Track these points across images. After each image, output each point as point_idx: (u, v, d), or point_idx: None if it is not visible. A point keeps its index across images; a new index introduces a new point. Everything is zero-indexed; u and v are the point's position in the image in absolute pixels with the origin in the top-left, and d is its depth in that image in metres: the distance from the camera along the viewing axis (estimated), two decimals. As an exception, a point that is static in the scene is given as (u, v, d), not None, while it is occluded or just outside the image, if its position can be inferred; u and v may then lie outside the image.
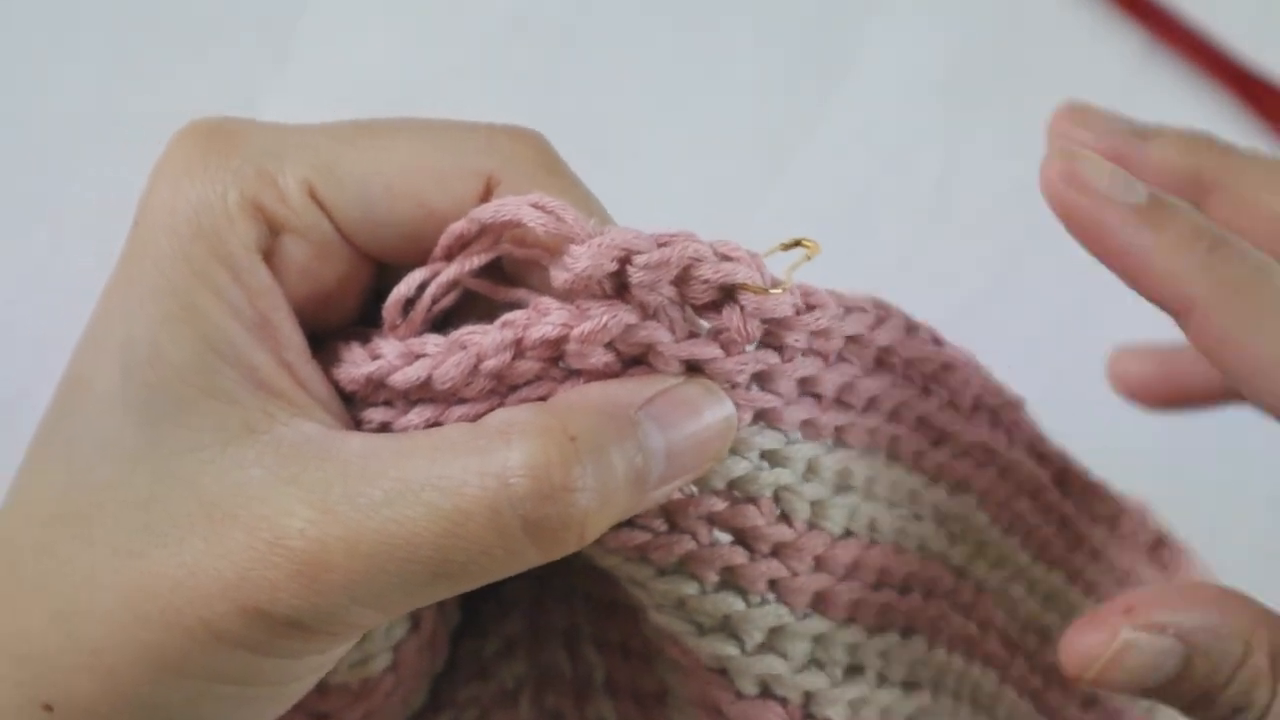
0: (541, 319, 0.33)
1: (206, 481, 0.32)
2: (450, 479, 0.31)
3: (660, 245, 0.33)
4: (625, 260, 0.33)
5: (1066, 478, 0.46)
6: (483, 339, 0.34)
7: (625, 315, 0.33)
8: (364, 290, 0.37)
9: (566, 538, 0.32)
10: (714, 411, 0.34)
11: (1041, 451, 0.46)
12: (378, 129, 0.36)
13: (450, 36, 0.64)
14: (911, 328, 0.40)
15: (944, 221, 0.63)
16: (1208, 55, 0.63)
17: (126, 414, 0.33)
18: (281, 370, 0.34)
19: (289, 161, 0.34)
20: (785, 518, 0.37)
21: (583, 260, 0.33)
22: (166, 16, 0.64)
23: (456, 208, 0.35)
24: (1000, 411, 0.44)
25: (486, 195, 0.36)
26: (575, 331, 0.33)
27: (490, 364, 0.34)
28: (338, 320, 0.37)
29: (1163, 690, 0.37)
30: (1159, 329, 0.63)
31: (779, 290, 0.34)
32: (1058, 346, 0.63)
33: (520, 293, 0.36)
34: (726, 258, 0.34)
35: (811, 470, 0.38)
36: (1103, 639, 0.37)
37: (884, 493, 0.40)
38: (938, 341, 0.41)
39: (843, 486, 0.39)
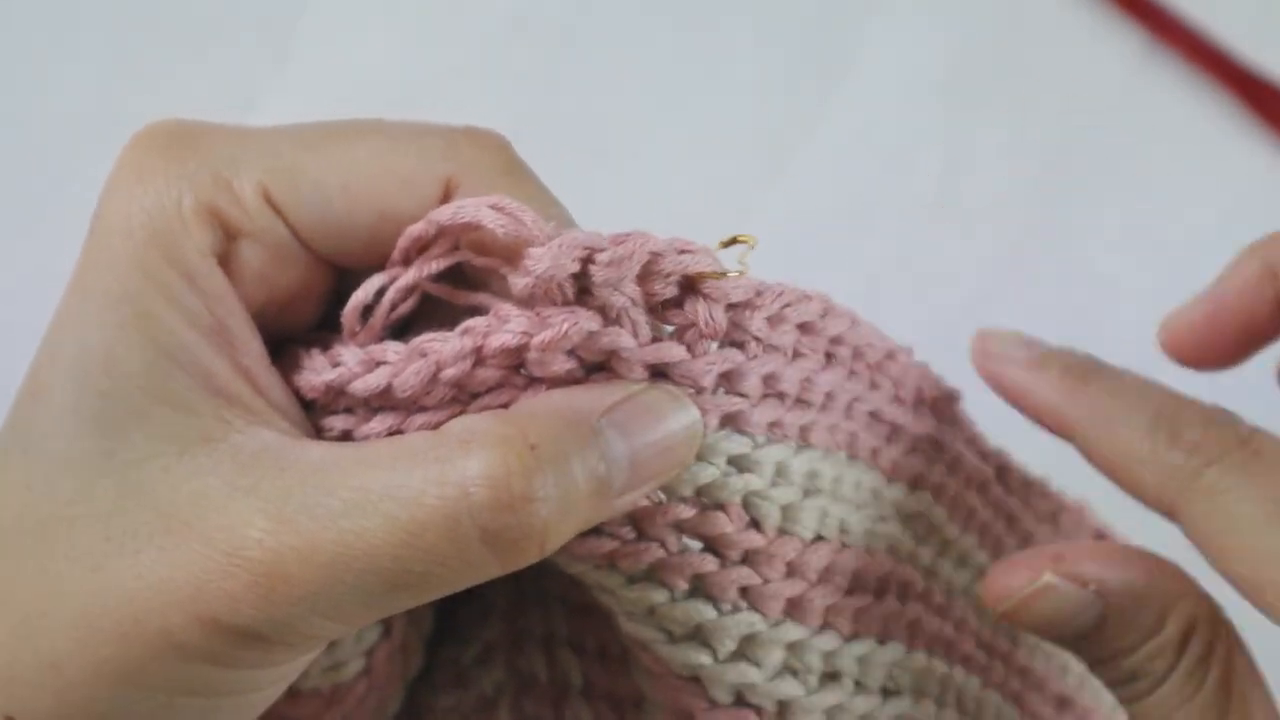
0: (502, 326, 0.33)
1: (163, 491, 0.32)
2: (408, 489, 0.31)
3: (618, 244, 0.33)
4: (586, 260, 0.33)
5: (1006, 474, 0.46)
6: (442, 347, 0.33)
7: (586, 322, 0.33)
8: (323, 294, 0.37)
9: (527, 548, 0.32)
10: (678, 417, 0.34)
11: (981, 448, 0.46)
12: (338, 132, 0.35)
13: (450, 36, 0.64)
14: (855, 319, 0.40)
15: (944, 221, 0.63)
16: (1208, 55, 0.63)
17: (81, 424, 0.33)
18: (239, 377, 0.34)
19: (245, 165, 0.34)
20: (755, 524, 0.37)
21: (543, 262, 0.32)
22: (166, 16, 0.64)
23: (416, 211, 0.35)
24: (940, 404, 0.44)
25: (447, 199, 0.35)
26: (536, 339, 0.33)
27: (450, 372, 0.33)
28: (297, 325, 0.37)
29: (1072, 641, 0.38)
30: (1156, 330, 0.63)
31: (736, 273, 0.34)
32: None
33: (480, 297, 0.36)
34: (684, 250, 0.33)
35: (780, 474, 0.37)
36: (1025, 578, 0.38)
37: (850, 493, 0.40)
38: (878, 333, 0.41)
39: (811, 489, 0.38)
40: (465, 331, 0.33)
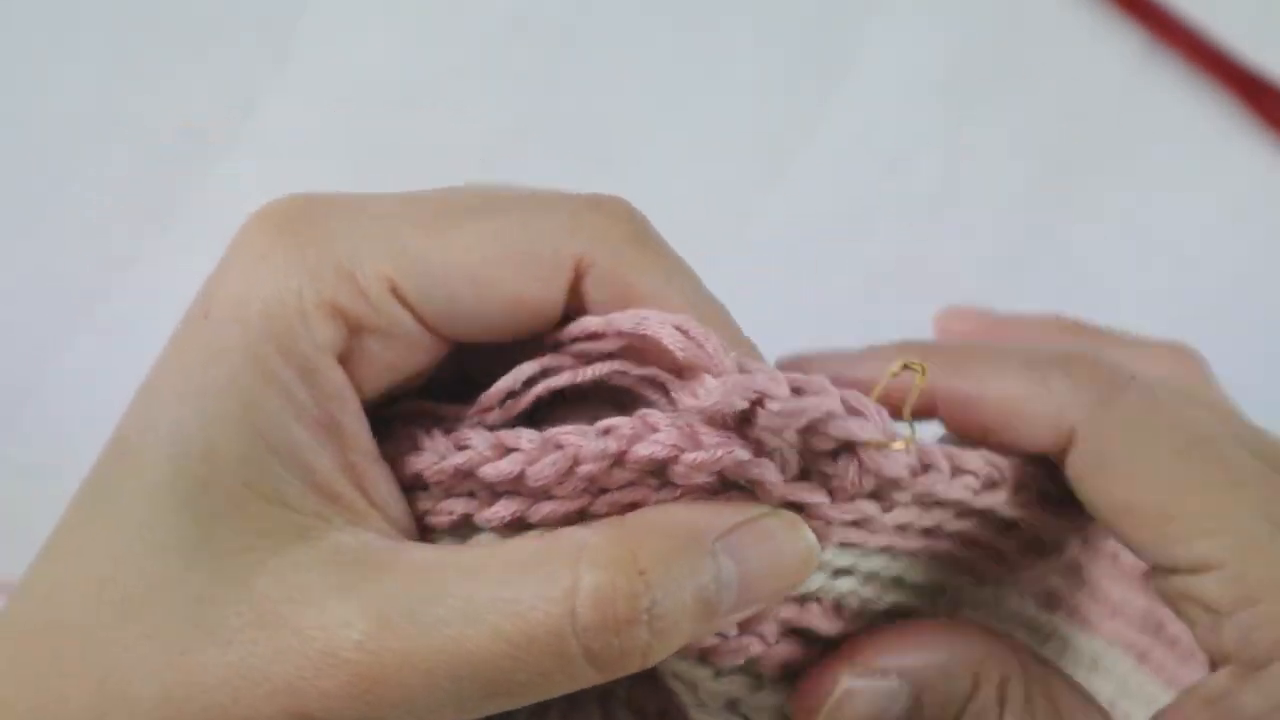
0: (650, 435, 0.33)
1: (258, 584, 0.32)
2: (517, 603, 0.31)
3: (795, 392, 0.32)
4: (757, 403, 0.32)
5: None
6: (582, 442, 0.33)
7: (740, 451, 0.32)
8: (437, 365, 0.36)
9: (629, 664, 0.32)
10: (794, 545, 0.33)
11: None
12: (458, 209, 0.34)
13: (450, 36, 0.64)
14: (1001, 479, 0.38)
15: (944, 222, 0.63)
16: (1208, 55, 0.63)
17: (175, 507, 0.32)
18: (343, 474, 0.33)
19: (368, 256, 0.33)
20: (839, 610, 0.37)
21: (714, 395, 0.32)
22: (166, 16, 0.64)
23: (546, 295, 0.34)
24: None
25: (578, 281, 0.35)
26: (687, 457, 0.32)
27: (587, 469, 0.33)
28: (403, 393, 0.37)
29: None
30: (1158, 333, 0.63)
31: (899, 447, 0.33)
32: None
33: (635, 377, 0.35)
34: (855, 411, 0.33)
35: (870, 578, 0.38)
36: (825, 689, 0.37)
37: (922, 582, 0.40)
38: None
39: (892, 585, 0.39)
40: (608, 432, 0.33)
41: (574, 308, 0.36)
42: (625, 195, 0.65)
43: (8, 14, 0.63)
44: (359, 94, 0.64)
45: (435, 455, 0.34)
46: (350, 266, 0.33)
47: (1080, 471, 0.36)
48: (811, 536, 0.34)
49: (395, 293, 0.34)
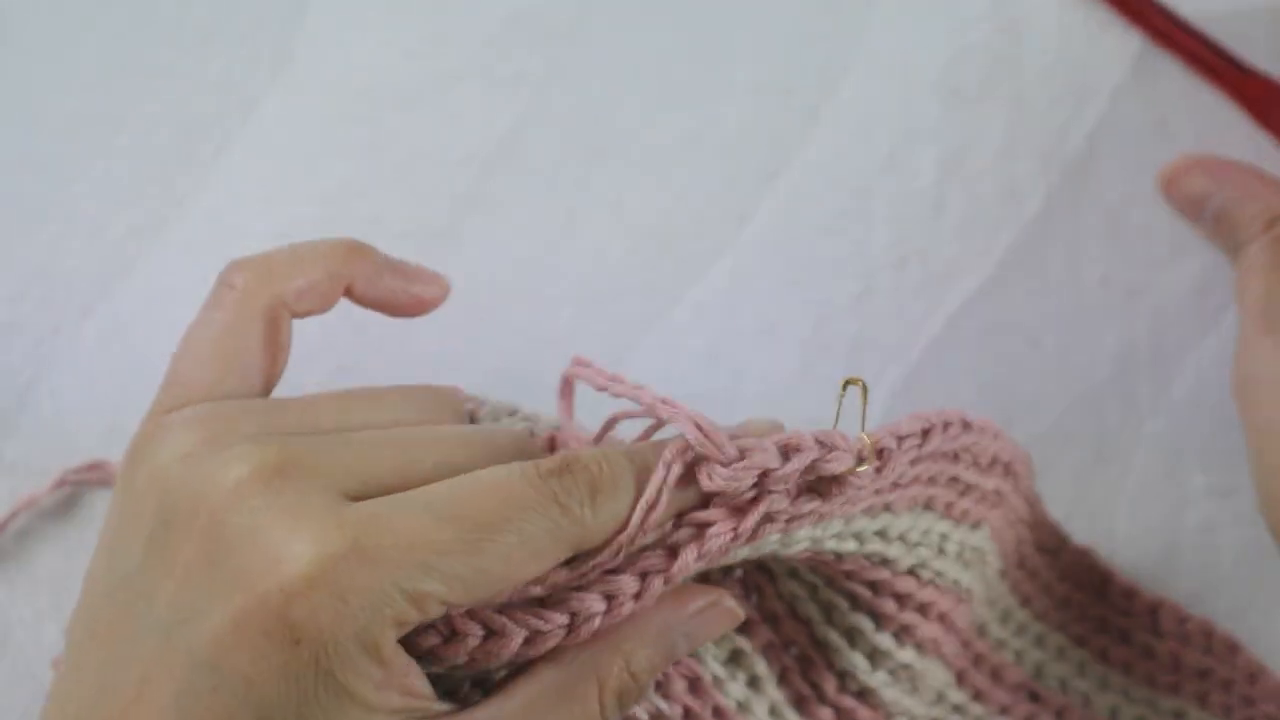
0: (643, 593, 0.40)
1: None
2: None
3: (786, 454, 0.40)
4: (763, 475, 0.40)
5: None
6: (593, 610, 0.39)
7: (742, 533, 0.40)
8: None
9: None
10: (721, 614, 0.43)
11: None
12: (488, 525, 0.37)
13: (450, 36, 0.64)
14: (965, 426, 0.46)
15: (943, 221, 0.63)
16: (1207, 56, 0.63)
17: None
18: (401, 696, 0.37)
19: (431, 582, 0.36)
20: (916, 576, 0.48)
21: (719, 480, 0.40)
22: (166, 16, 0.64)
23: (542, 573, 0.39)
24: (1011, 465, 0.51)
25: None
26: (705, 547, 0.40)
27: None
28: None
29: (1203, 221, 0.61)
30: (1156, 329, 0.63)
31: (865, 468, 0.41)
32: (1055, 347, 0.63)
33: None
34: (830, 446, 0.41)
35: (857, 534, 0.45)
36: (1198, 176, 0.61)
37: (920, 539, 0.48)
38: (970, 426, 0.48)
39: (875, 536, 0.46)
40: (645, 576, 0.40)
41: None
42: (624, 195, 0.65)
43: (8, 14, 0.63)
44: (359, 94, 0.64)
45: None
46: (419, 594, 0.36)
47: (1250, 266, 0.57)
48: (730, 603, 0.43)
49: (445, 604, 0.37)
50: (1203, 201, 0.57)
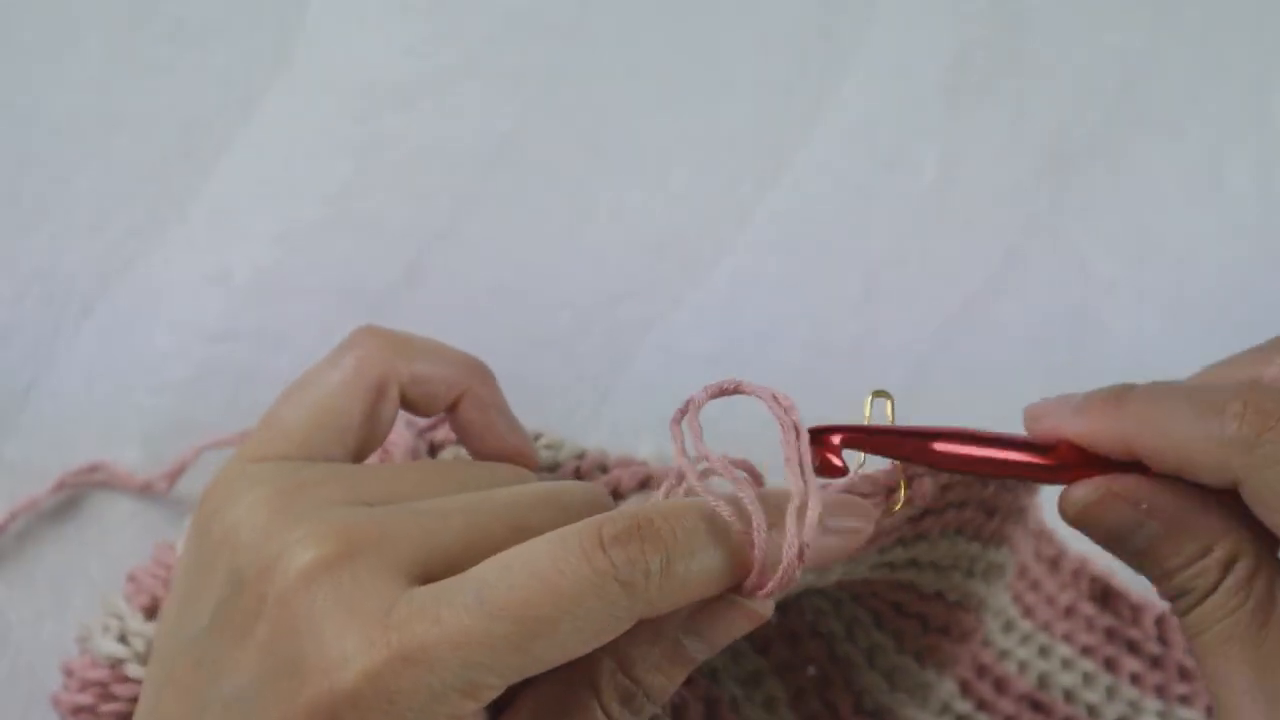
0: None
1: None
2: None
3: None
4: (799, 554, 0.38)
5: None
6: None
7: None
8: None
9: None
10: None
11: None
12: (538, 618, 0.37)
13: (450, 36, 0.64)
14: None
15: (943, 221, 0.63)
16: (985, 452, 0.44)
17: None
18: None
19: (484, 675, 0.36)
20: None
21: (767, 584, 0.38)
22: (166, 16, 0.64)
23: None
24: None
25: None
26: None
27: None
28: None
29: (1131, 556, 0.42)
30: (1157, 329, 0.63)
31: (898, 506, 0.40)
32: (1057, 347, 0.63)
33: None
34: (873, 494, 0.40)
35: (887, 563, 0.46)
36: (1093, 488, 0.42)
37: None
38: None
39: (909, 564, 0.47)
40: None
41: None
42: (623, 194, 0.65)
43: (8, 14, 0.63)
44: (359, 93, 0.64)
45: None
46: (469, 691, 0.36)
47: (1253, 503, 0.39)
48: (751, 603, 0.39)
49: (501, 689, 0.36)
50: (1126, 537, 0.41)
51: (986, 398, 0.62)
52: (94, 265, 0.62)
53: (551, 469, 0.50)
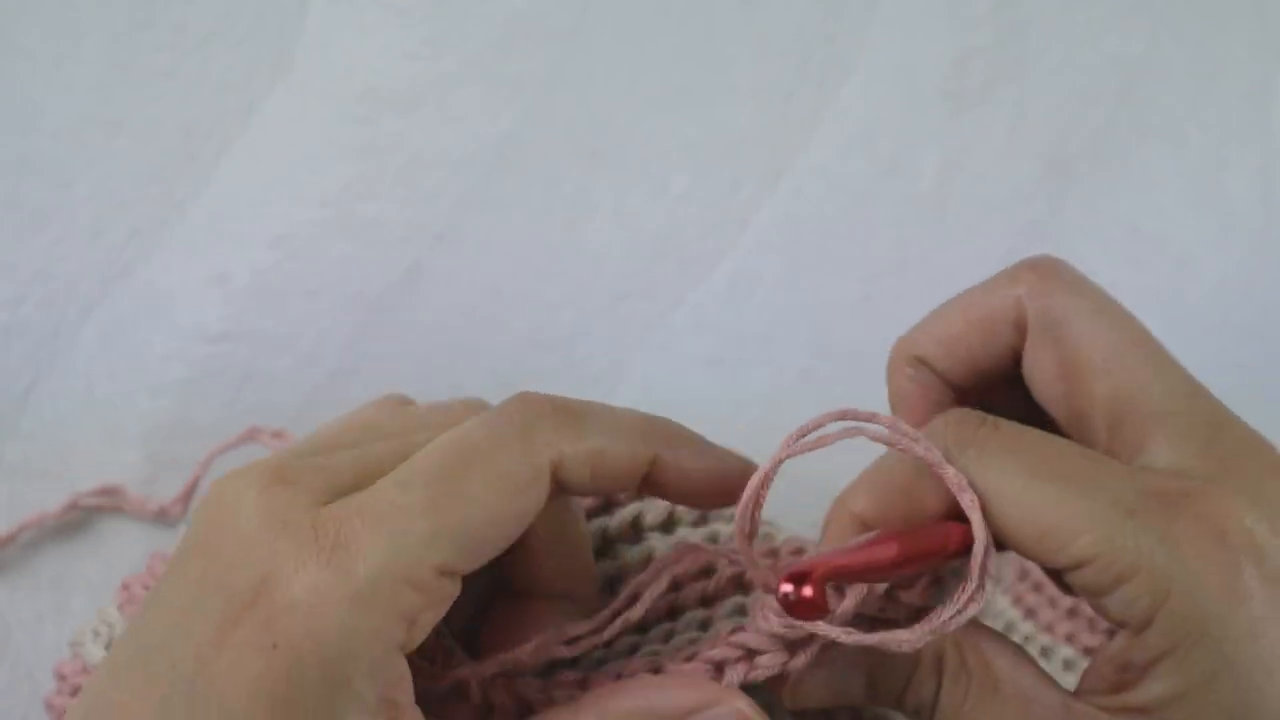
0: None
1: None
2: None
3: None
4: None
5: None
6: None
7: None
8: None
9: None
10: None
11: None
12: (442, 476, 0.36)
13: (450, 37, 0.64)
14: None
15: (943, 225, 0.63)
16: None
17: None
18: None
19: (416, 559, 0.35)
20: None
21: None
22: (166, 17, 0.64)
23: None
24: None
25: None
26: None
27: None
28: None
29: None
30: (1157, 332, 0.63)
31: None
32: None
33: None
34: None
35: None
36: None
37: None
38: None
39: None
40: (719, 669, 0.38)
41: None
42: (624, 196, 0.65)
43: (9, 18, 0.64)
44: (360, 96, 0.64)
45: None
46: (406, 575, 0.35)
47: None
48: (740, 704, 0.38)
49: (444, 572, 0.35)
50: (847, 694, 0.40)
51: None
52: (95, 268, 0.62)
53: None
